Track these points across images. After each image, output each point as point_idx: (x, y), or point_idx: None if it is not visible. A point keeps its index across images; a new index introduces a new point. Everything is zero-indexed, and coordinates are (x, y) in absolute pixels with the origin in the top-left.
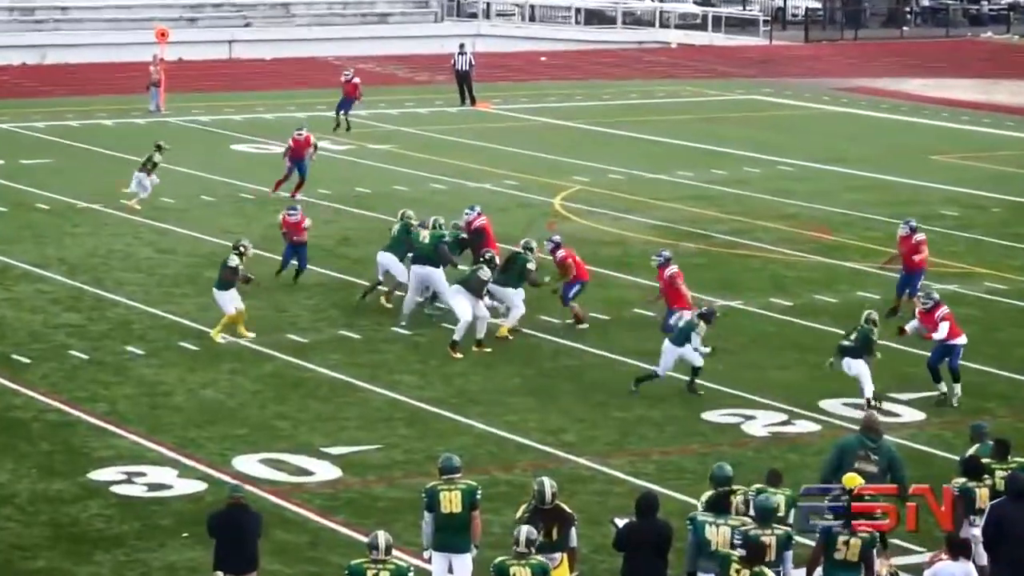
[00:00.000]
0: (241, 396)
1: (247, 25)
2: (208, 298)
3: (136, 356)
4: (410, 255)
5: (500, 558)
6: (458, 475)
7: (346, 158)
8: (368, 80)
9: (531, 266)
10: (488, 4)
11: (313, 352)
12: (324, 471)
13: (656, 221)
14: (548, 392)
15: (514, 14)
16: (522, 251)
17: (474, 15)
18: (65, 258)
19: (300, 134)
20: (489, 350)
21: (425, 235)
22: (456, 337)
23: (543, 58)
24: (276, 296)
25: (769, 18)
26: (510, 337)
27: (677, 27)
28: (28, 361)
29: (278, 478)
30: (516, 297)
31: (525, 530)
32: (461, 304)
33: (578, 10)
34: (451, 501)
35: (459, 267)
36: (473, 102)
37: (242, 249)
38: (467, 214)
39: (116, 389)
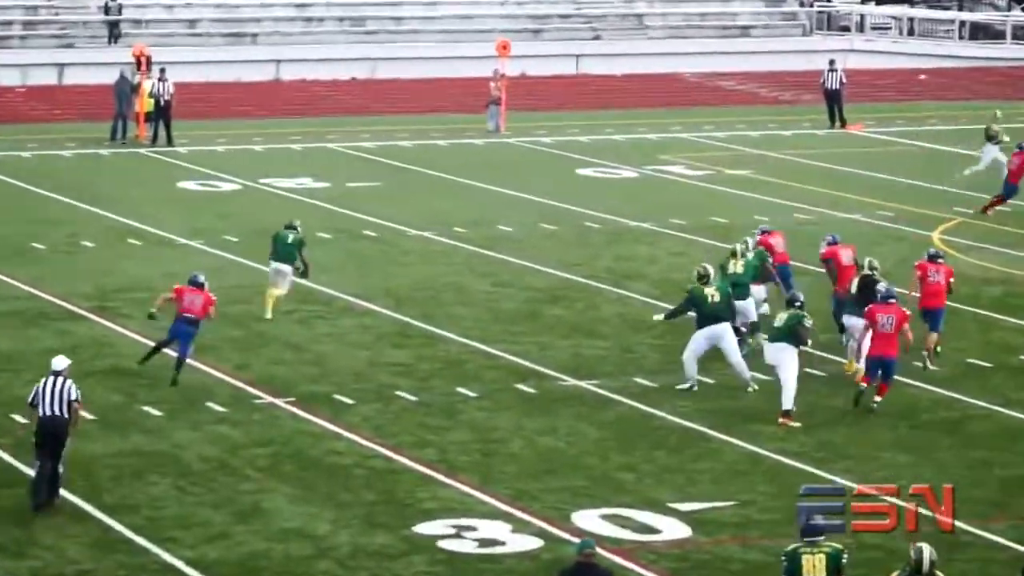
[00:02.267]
0: (582, 444)
1: (596, 38)
2: (548, 337)
3: (468, 398)
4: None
5: None
6: (822, 537)
7: (702, 184)
8: (727, 99)
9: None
10: (862, 16)
11: (662, 397)
12: (672, 529)
13: None
14: (924, 447)
15: (890, 27)
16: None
17: (846, 28)
18: (392, 290)
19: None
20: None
21: (712, 293)
22: (788, 406)
23: (922, 76)
24: (623, 336)
25: None
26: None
27: None
28: (351, 402)
29: (621, 536)
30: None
31: (927, 551)
32: (787, 363)
33: (962, 23)
34: (814, 566)
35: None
36: (844, 124)
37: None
38: (826, 240)
39: (445, 434)
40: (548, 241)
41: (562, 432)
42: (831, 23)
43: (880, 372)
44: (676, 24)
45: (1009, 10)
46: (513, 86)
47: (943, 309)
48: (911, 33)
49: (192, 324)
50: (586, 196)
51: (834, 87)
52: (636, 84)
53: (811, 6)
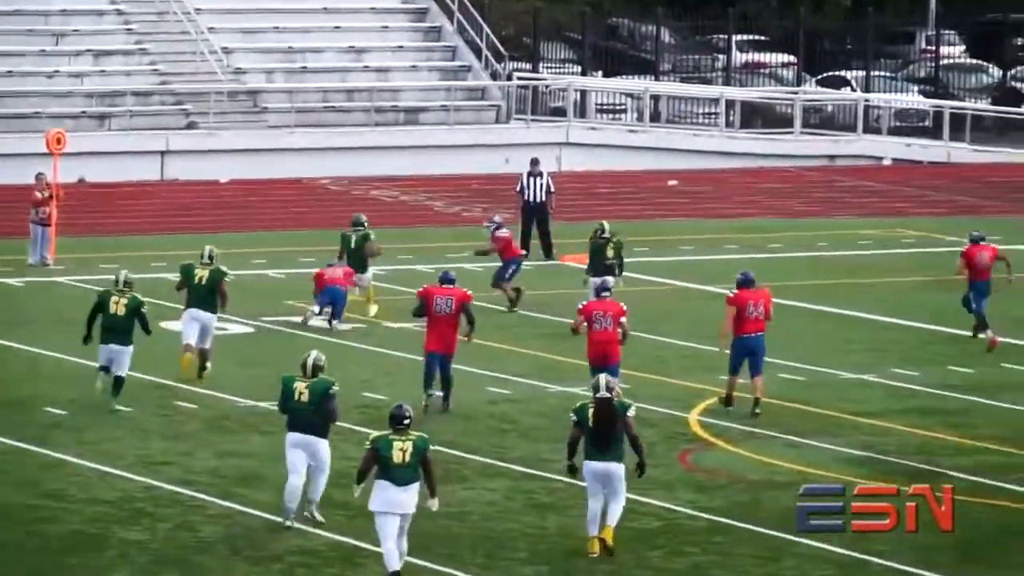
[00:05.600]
0: None
1: (191, 126)
2: None
3: None
4: None
5: None
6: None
7: (348, 344)
8: (387, 217)
9: None
10: (582, 94)
11: None
12: None
13: (855, 450)
14: None
15: (625, 109)
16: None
17: (560, 112)
18: None
19: None
20: None
21: None
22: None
23: (672, 182)
24: None
25: None
26: None
27: (893, 131)
28: None
29: None
30: None
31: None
32: None
33: (730, 104)
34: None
35: None
36: (549, 252)
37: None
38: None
39: None
40: (122, 433)
41: None
42: (539, 104)
43: None
44: (309, 105)
45: (798, 84)
46: (68, 197)
47: (618, 363)
48: (656, 119)
49: None
50: (176, 363)
51: (536, 199)
52: (251, 195)
53: (509, 78)
